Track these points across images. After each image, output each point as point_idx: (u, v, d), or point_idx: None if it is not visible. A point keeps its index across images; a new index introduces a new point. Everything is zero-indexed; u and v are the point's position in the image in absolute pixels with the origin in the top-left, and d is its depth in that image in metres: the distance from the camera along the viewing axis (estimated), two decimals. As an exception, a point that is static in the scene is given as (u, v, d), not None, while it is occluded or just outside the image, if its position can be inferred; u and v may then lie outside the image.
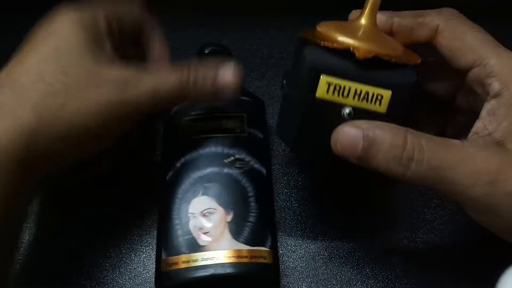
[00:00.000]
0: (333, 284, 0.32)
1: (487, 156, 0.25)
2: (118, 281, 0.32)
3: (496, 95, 0.27)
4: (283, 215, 0.35)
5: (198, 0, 0.37)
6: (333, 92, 0.27)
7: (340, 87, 0.26)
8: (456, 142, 0.26)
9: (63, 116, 0.26)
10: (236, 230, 0.30)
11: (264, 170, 0.33)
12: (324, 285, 0.32)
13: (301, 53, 0.27)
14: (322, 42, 0.26)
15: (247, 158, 0.33)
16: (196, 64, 0.30)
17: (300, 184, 0.36)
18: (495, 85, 0.27)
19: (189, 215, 0.31)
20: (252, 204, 0.32)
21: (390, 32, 0.30)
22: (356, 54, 0.25)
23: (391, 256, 0.33)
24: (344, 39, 0.26)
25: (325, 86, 0.26)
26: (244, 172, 0.32)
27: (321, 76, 0.26)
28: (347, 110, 0.27)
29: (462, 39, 0.29)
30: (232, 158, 0.33)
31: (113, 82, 0.28)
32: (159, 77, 0.29)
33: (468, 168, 0.25)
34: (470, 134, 0.28)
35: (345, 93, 0.27)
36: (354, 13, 0.31)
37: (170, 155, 0.34)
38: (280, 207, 0.35)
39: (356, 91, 0.26)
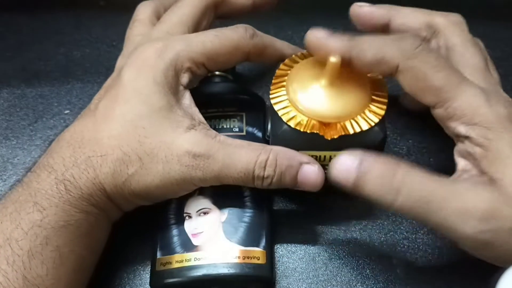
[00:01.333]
0: (333, 285, 0.32)
1: (477, 193, 0.26)
2: (118, 282, 0.32)
3: (466, 138, 0.27)
4: (283, 215, 0.35)
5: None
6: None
7: (316, 156, 0.30)
8: (444, 178, 0.27)
9: (128, 185, 0.29)
10: (230, 230, 0.30)
11: None
12: (324, 286, 0.32)
13: (277, 129, 0.30)
14: (293, 124, 0.29)
15: None
16: (274, 148, 0.30)
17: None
18: (460, 129, 0.27)
19: (185, 214, 0.31)
20: (248, 204, 0.32)
21: (347, 62, 0.28)
22: (324, 137, 0.29)
23: (392, 257, 0.33)
24: (310, 113, 0.29)
25: None
26: None
27: (299, 152, 0.30)
28: (327, 167, 0.29)
29: (424, 80, 0.27)
30: None
31: (185, 156, 0.28)
32: (229, 158, 0.29)
33: (456, 204, 0.25)
34: (457, 172, 0.28)
35: (321, 159, 0.31)
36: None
37: None
38: (280, 208, 0.35)
39: (331, 157, 0.30)
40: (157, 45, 0.30)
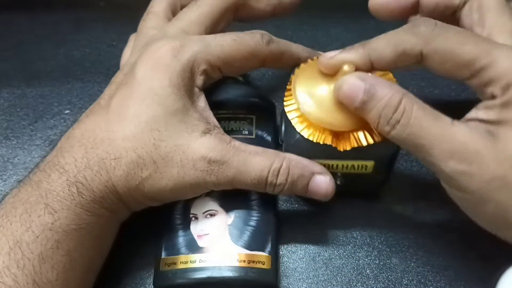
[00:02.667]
0: (333, 285, 0.32)
1: (470, 138, 0.25)
2: (118, 282, 0.32)
3: (495, 97, 0.26)
4: (283, 216, 0.35)
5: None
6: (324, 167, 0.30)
7: (329, 165, 0.31)
8: (446, 119, 0.26)
9: (142, 188, 0.28)
10: (236, 233, 0.30)
11: None
12: (324, 286, 0.32)
13: (290, 138, 0.30)
14: (306, 134, 0.29)
15: None
16: (288, 156, 0.30)
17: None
18: (496, 91, 0.26)
19: (191, 215, 0.31)
20: (255, 208, 0.31)
21: (370, 68, 0.28)
22: (337, 148, 0.29)
23: (391, 257, 0.33)
24: (323, 123, 0.29)
25: None
26: None
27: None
28: (338, 174, 0.31)
29: (451, 59, 0.27)
30: None
31: (200, 161, 0.28)
32: (244, 164, 0.29)
33: (445, 145, 0.25)
34: (466, 117, 0.27)
35: (334, 167, 0.31)
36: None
37: None
38: (280, 208, 0.35)
39: (343, 165, 0.30)
40: (174, 43, 0.29)
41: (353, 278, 0.32)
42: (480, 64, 0.26)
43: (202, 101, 0.30)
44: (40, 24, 0.47)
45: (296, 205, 0.35)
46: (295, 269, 0.33)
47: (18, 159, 0.38)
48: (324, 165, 0.30)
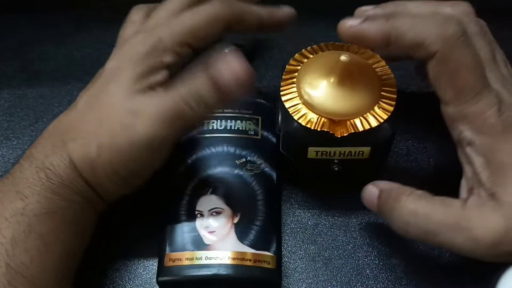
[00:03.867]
0: (333, 285, 0.32)
1: (484, 220, 0.26)
2: (118, 282, 0.32)
3: (470, 144, 0.28)
4: (283, 216, 0.35)
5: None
6: (321, 155, 0.31)
7: (326, 152, 0.31)
8: (455, 203, 0.27)
9: (99, 157, 0.28)
10: (242, 232, 0.31)
11: (274, 175, 0.33)
12: (324, 286, 0.32)
13: (287, 126, 0.31)
14: (303, 122, 0.30)
15: (259, 161, 0.33)
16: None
17: (300, 185, 0.36)
18: (467, 134, 0.28)
19: (197, 212, 0.31)
20: (260, 208, 0.32)
21: (387, 44, 0.28)
22: (334, 134, 0.29)
23: (391, 257, 0.33)
24: (320, 110, 0.30)
25: (313, 152, 0.31)
26: (254, 174, 0.33)
27: (309, 148, 0.31)
28: (336, 161, 0.32)
29: (452, 77, 0.27)
30: (243, 159, 0.33)
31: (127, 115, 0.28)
32: (161, 100, 0.28)
33: (466, 234, 0.26)
34: (463, 186, 0.29)
35: (331, 155, 0.31)
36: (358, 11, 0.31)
37: (182, 150, 0.33)
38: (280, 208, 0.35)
39: (340, 152, 0.31)
40: (141, 35, 0.31)
41: (353, 278, 0.32)
42: (465, 97, 0.27)
43: (160, 75, 0.29)
44: (41, 25, 0.47)
45: (296, 205, 0.36)
46: (295, 269, 0.33)
47: (18, 159, 0.38)
48: (322, 153, 0.31)
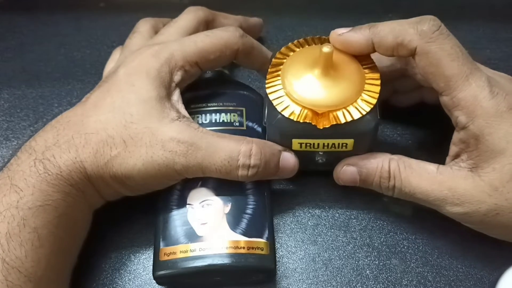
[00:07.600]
0: (333, 286, 0.32)
1: (456, 182, 0.29)
2: (118, 282, 0.32)
3: (463, 127, 0.29)
4: (283, 216, 0.35)
5: (196, 1, 0.37)
6: (305, 147, 0.32)
7: (310, 144, 0.32)
8: (431, 168, 0.30)
9: (110, 167, 0.29)
10: (233, 221, 0.31)
11: None
12: (324, 286, 0.32)
13: (272, 118, 0.31)
14: (287, 114, 0.30)
15: None
16: (255, 139, 0.31)
17: (300, 185, 0.36)
18: (461, 119, 0.29)
19: (187, 205, 0.31)
20: (250, 196, 0.32)
21: (372, 49, 0.30)
22: (317, 126, 0.30)
23: (391, 258, 0.33)
24: (303, 102, 0.30)
25: (297, 144, 0.32)
26: None
27: (292, 140, 0.32)
28: (320, 153, 0.33)
29: (437, 66, 0.29)
30: None
31: (169, 142, 0.29)
32: (212, 146, 0.30)
33: (437, 194, 0.30)
34: (448, 158, 0.31)
35: (315, 146, 0.32)
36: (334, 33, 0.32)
37: None
38: (280, 209, 0.35)
39: (324, 144, 0.32)
40: (154, 48, 0.32)
41: (353, 279, 0.32)
42: (455, 84, 0.29)
43: (176, 95, 0.32)
44: (41, 25, 0.47)
45: (296, 205, 0.36)
46: (295, 269, 0.33)
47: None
48: (306, 145, 0.32)
